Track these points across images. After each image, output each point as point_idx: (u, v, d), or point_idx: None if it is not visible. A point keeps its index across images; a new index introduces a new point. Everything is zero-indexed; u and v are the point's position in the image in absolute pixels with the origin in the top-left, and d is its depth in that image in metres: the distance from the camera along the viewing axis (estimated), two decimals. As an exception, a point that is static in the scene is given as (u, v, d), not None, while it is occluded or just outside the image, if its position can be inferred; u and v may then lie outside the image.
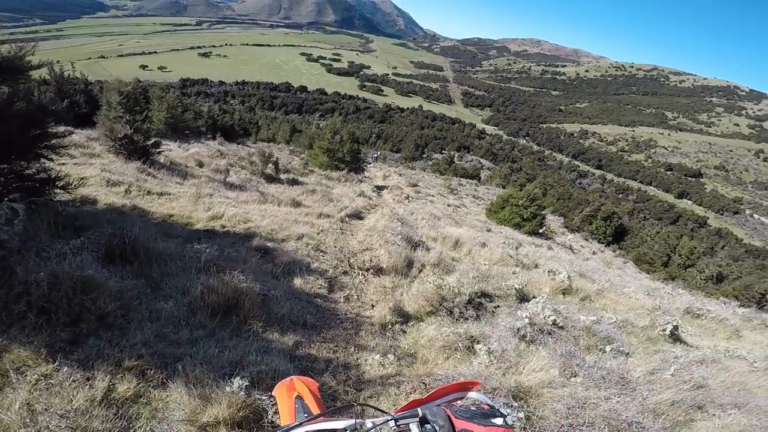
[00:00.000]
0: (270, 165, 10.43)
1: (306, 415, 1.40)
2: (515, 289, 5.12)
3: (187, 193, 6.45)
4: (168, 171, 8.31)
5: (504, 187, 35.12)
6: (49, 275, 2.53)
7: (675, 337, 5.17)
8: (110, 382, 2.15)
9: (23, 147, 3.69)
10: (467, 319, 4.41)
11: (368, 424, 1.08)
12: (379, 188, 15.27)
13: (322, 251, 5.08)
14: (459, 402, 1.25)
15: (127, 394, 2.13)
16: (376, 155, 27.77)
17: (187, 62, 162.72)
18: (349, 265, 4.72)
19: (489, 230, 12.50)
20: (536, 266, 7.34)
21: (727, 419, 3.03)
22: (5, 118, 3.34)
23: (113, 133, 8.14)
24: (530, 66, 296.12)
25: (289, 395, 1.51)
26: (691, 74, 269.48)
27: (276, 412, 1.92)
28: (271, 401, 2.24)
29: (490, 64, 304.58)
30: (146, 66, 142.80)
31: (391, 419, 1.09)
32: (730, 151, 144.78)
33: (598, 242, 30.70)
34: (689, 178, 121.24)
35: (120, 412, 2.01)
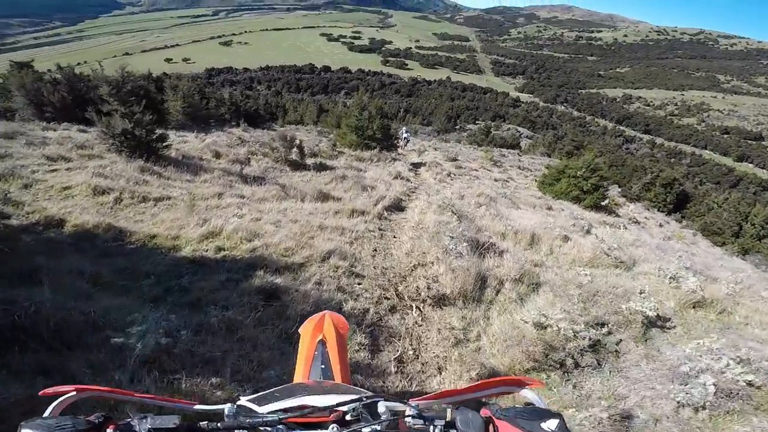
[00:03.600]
0: (294, 150, 9.07)
1: (323, 366, 1.31)
2: (642, 314, 3.52)
3: (192, 194, 5.22)
4: (178, 167, 7.14)
5: (549, 156, 32.54)
6: None
7: None
8: None
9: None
10: (583, 368, 2.91)
11: (381, 407, 0.91)
12: (416, 165, 13.63)
13: (357, 275, 3.69)
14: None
15: None
16: (406, 134, 20.91)
17: (209, 52, 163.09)
18: (398, 296, 3.26)
19: (550, 208, 10.75)
20: (634, 263, 5.64)
21: None
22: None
23: (110, 129, 7.07)
24: (563, 32, 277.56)
25: (313, 336, 1.41)
26: (743, 38, 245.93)
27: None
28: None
29: (519, 32, 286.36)
30: (171, 59, 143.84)
31: (412, 412, 0.85)
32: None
33: (658, 210, 28.03)
34: (749, 141, 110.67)
35: None
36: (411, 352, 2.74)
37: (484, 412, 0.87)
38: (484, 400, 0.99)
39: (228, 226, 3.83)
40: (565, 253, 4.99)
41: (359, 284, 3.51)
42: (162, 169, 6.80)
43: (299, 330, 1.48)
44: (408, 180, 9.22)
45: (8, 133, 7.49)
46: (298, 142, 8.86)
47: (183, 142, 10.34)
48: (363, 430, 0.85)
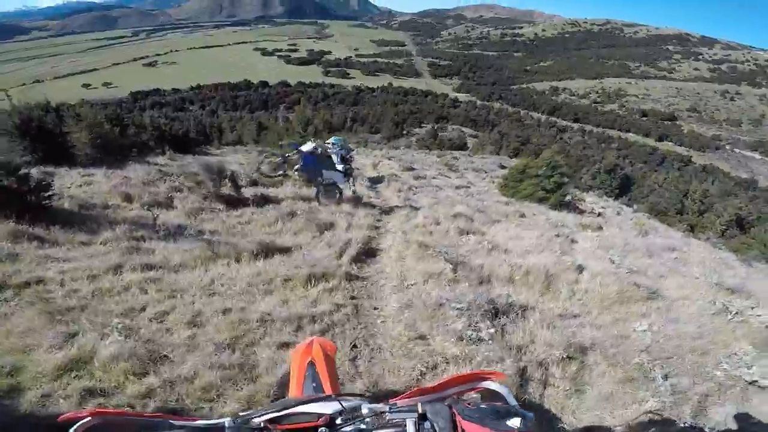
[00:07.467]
0: (226, 182, 7.50)
1: (314, 385, 1.35)
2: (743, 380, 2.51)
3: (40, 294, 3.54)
4: (70, 223, 5.32)
5: (498, 153, 32.78)
6: None
7: None
8: None
9: None
10: None
11: (364, 409, 0.96)
12: (374, 181, 12.34)
13: None
14: (472, 395, 1.09)
15: None
16: (336, 148, 8.10)
17: (133, 75, 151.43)
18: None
19: (522, 215, 9.92)
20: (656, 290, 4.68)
21: None
22: None
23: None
24: (488, 30, 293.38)
25: (303, 360, 1.43)
26: (644, 25, 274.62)
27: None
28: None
29: (450, 33, 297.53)
30: (89, 84, 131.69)
31: (388, 410, 0.94)
32: (698, 93, 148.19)
33: (607, 196, 28.92)
34: (665, 122, 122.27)
35: None
36: None
37: (450, 409, 0.91)
38: (454, 397, 1.01)
39: (104, 349, 2.25)
40: (587, 290, 3.92)
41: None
42: (45, 232, 5.00)
43: (290, 354, 1.63)
44: (372, 205, 7.95)
45: None
46: (227, 173, 7.28)
47: (87, 183, 8.37)
48: (349, 430, 0.91)
